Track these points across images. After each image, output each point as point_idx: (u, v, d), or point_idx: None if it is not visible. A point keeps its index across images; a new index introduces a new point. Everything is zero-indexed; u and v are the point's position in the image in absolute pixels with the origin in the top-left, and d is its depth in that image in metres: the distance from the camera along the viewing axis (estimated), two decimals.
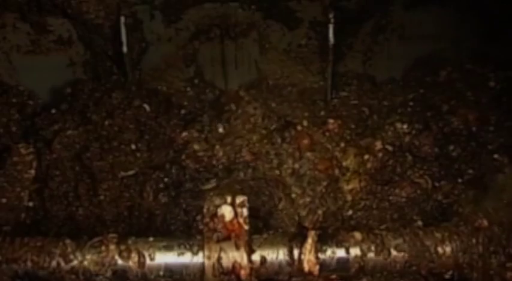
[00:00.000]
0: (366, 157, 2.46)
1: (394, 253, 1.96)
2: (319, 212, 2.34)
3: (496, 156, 2.45)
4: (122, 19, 2.53)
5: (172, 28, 2.68)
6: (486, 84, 2.64)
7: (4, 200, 2.30)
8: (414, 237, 1.98)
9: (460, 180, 2.41)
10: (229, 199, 1.95)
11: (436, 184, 2.40)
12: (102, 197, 2.38)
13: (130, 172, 2.42)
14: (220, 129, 2.59)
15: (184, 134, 2.57)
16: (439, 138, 2.51)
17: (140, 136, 2.52)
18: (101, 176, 2.41)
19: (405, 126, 2.54)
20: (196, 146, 2.53)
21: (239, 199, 1.96)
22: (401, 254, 1.96)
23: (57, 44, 2.63)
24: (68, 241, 1.95)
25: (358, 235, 1.97)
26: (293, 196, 2.41)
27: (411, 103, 2.63)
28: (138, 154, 2.47)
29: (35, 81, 2.66)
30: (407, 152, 2.48)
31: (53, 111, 2.59)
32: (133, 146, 2.48)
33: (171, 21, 2.66)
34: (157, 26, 2.66)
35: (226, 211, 1.93)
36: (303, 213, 2.36)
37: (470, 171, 2.43)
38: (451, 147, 2.49)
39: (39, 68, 2.64)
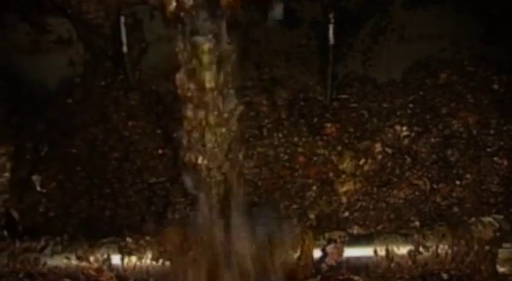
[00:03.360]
0: (363, 159, 2.46)
1: None
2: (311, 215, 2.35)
3: (495, 159, 2.44)
4: (122, 19, 2.52)
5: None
6: (488, 87, 2.61)
7: None
8: None
9: (458, 182, 2.41)
10: None
11: (435, 186, 2.40)
12: (125, 199, 2.40)
13: (161, 179, 2.45)
14: None
15: None
16: (438, 140, 2.50)
17: (166, 141, 2.53)
18: (126, 177, 2.43)
19: (405, 128, 2.54)
20: None
21: None
22: None
23: (57, 44, 2.64)
24: None
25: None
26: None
27: (411, 105, 2.61)
28: (165, 159, 2.48)
29: (36, 81, 2.67)
30: (406, 155, 2.48)
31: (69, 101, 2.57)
32: (160, 151, 2.50)
33: (171, 21, 2.66)
34: (157, 26, 2.66)
35: None
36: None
37: (469, 174, 2.42)
38: (451, 150, 2.48)
39: (39, 68, 2.65)
